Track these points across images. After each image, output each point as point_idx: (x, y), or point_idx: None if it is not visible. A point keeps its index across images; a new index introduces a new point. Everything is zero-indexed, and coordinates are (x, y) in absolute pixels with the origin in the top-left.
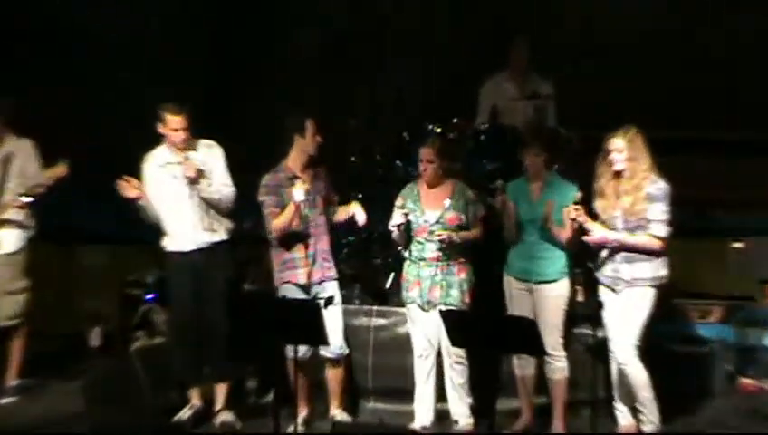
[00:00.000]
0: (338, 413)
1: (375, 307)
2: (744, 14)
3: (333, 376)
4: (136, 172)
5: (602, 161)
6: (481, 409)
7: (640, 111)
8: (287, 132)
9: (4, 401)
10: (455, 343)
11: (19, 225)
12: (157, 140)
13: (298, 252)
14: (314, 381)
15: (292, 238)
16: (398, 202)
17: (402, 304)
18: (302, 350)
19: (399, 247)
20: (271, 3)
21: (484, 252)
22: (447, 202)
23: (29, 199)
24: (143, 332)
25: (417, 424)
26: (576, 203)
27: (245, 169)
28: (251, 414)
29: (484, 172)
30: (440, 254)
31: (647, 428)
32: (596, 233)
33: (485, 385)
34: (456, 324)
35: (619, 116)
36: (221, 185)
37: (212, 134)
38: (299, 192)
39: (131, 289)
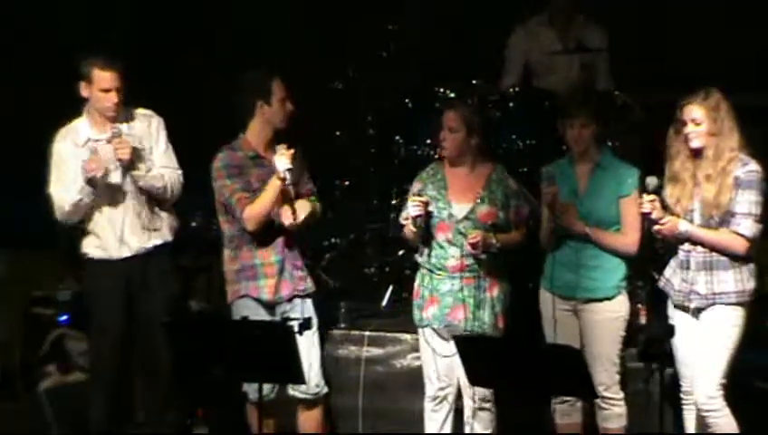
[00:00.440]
0: None
1: (367, 333)
2: None
3: (308, 422)
4: (43, 153)
5: (675, 136)
6: None
7: (724, 71)
8: (245, 97)
9: None
10: (474, 380)
11: None
12: (70, 111)
13: (261, 256)
14: (283, 430)
15: (259, 237)
16: (415, 187)
17: (404, 329)
18: (267, 389)
19: (418, 250)
20: None
21: (514, 260)
22: (481, 192)
23: None
24: (54, 365)
25: None
26: (649, 192)
27: (188, 147)
28: None
29: (513, 152)
30: (466, 262)
31: None
32: (669, 221)
33: None
34: (477, 355)
35: (696, 76)
36: (164, 169)
37: (141, 99)
38: (282, 160)
39: (38, 308)
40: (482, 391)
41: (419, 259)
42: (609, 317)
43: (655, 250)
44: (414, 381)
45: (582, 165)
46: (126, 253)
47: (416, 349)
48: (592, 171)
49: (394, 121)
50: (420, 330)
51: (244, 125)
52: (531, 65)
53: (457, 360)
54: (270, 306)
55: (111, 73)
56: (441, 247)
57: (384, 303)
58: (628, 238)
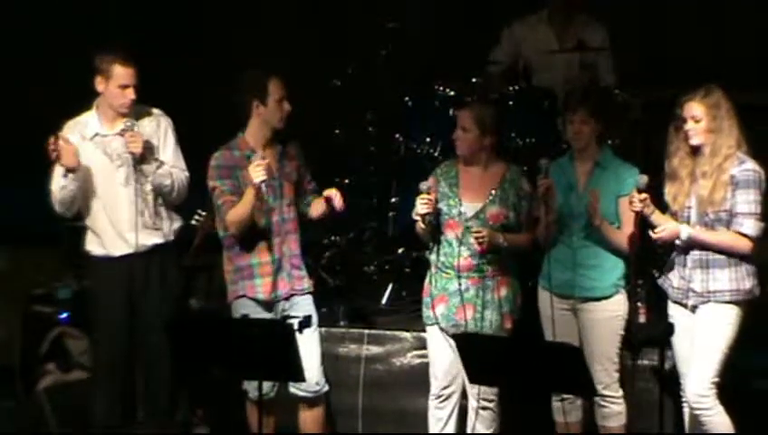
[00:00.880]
0: None
1: (367, 331)
2: None
3: (309, 421)
4: (43, 150)
5: (675, 133)
6: None
7: (725, 69)
8: (242, 96)
9: None
10: (473, 378)
11: None
12: (70, 108)
13: (258, 256)
14: (284, 429)
15: (253, 237)
16: (427, 183)
17: (404, 327)
18: (267, 387)
19: (427, 247)
20: None
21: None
22: (493, 192)
23: None
24: (54, 364)
25: None
26: (641, 190)
27: (188, 146)
28: None
29: (512, 150)
30: (474, 262)
31: None
32: (666, 229)
33: None
34: (475, 353)
35: (697, 74)
36: (172, 168)
37: (140, 99)
38: (257, 172)
39: (39, 306)
40: (485, 391)
41: (429, 256)
42: (607, 316)
43: (654, 248)
44: (414, 379)
45: (582, 163)
46: (126, 250)
47: (416, 347)
48: (592, 170)
49: (393, 120)
50: (427, 328)
51: (242, 125)
52: (526, 62)
53: None
54: (268, 305)
55: (131, 70)
56: (449, 245)
57: (384, 301)
58: (623, 235)
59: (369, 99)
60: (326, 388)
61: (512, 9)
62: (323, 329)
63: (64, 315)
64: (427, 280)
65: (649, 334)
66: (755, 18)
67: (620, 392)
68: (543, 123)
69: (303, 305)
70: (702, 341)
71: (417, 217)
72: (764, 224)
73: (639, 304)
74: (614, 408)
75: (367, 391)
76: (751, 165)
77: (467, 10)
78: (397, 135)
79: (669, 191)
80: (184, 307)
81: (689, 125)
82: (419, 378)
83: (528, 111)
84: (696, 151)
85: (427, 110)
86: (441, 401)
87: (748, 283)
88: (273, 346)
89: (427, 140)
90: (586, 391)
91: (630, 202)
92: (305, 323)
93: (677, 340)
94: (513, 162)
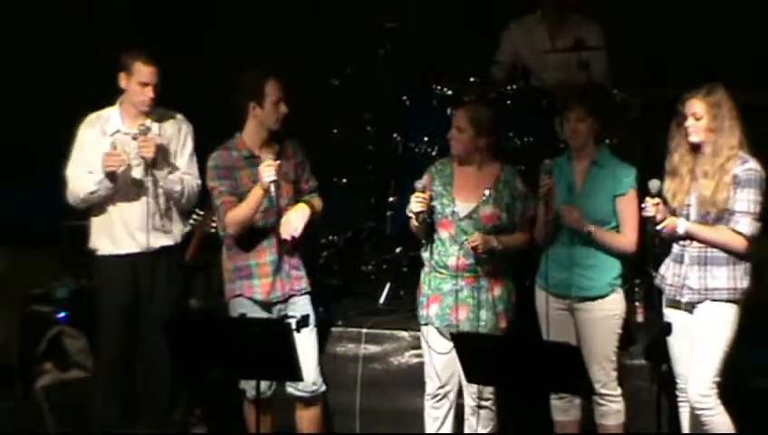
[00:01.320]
0: None
1: (365, 330)
2: None
3: (306, 421)
4: (44, 152)
5: (677, 129)
6: None
7: (724, 69)
8: (239, 98)
9: None
10: (471, 377)
11: None
12: (72, 109)
13: (256, 257)
14: (281, 428)
15: (252, 237)
16: (421, 182)
17: (401, 327)
18: (264, 386)
19: (423, 246)
20: None
21: (511, 259)
22: (487, 192)
23: None
24: (52, 363)
25: None
26: (653, 195)
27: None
28: None
29: (510, 150)
30: (466, 261)
31: None
32: (667, 223)
33: None
34: (473, 353)
35: (696, 75)
36: (185, 175)
37: None
38: (268, 171)
39: (36, 305)
40: (483, 389)
41: (423, 255)
42: (604, 315)
43: (652, 248)
44: (412, 378)
45: (580, 162)
46: (133, 248)
47: (414, 346)
48: (589, 169)
49: (392, 119)
50: (422, 328)
51: (241, 125)
52: (525, 63)
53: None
54: (266, 305)
55: (152, 68)
56: (443, 244)
57: (382, 300)
58: (627, 238)
59: (368, 98)
60: (323, 387)
61: (511, 9)
62: (321, 328)
63: (62, 315)
64: (421, 279)
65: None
66: (754, 19)
67: (618, 391)
68: (542, 123)
69: (301, 305)
70: (702, 341)
71: (411, 215)
72: (762, 223)
73: (637, 303)
74: (612, 406)
75: (365, 390)
76: (753, 164)
77: (467, 10)
78: (395, 135)
79: (669, 187)
80: (183, 307)
81: (690, 122)
82: (417, 377)
83: (526, 110)
84: (696, 149)
85: (425, 109)
86: (437, 401)
87: (746, 282)
88: (270, 346)
89: (425, 139)
90: (584, 390)
91: (644, 208)
92: (303, 322)
93: (673, 340)
94: (511, 162)
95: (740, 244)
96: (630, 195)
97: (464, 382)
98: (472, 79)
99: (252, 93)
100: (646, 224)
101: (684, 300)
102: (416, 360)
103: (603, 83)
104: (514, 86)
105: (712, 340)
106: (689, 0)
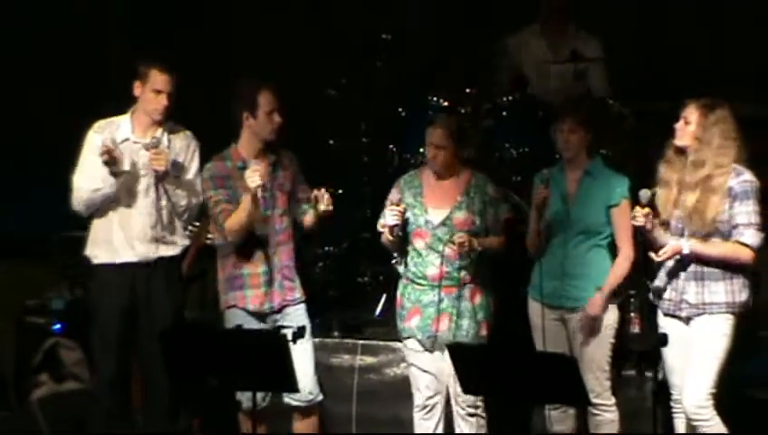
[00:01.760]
0: None
1: (360, 341)
2: None
3: (303, 431)
4: (39, 162)
5: (671, 138)
6: None
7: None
8: (234, 107)
9: None
10: (467, 389)
11: None
12: (68, 118)
13: (249, 267)
14: None
15: (246, 247)
16: (393, 195)
17: (397, 338)
18: (259, 396)
19: (395, 259)
20: None
21: (505, 268)
22: (459, 198)
23: None
24: (47, 374)
25: None
26: (643, 205)
27: None
28: None
29: (506, 160)
30: (446, 269)
31: None
32: (667, 250)
33: None
34: (470, 364)
35: (694, 88)
36: (189, 191)
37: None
38: (253, 178)
39: (32, 317)
40: (472, 400)
41: (399, 269)
42: (599, 326)
43: (647, 258)
44: (407, 389)
45: (572, 172)
46: (132, 257)
47: None
48: (582, 179)
49: (387, 130)
50: (404, 341)
51: (237, 134)
52: (525, 74)
53: (446, 368)
54: (260, 316)
55: (167, 77)
56: (419, 255)
57: (377, 312)
58: (623, 253)
59: (364, 109)
60: (320, 397)
61: (511, 9)
62: (317, 339)
63: (58, 326)
64: (399, 291)
65: (642, 345)
66: (754, 32)
67: (613, 400)
68: (537, 133)
69: (297, 316)
70: (699, 352)
71: (384, 230)
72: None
73: (633, 314)
74: (607, 416)
75: (360, 400)
76: (748, 176)
77: (467, 10)
78: (391, 146)
79: (660, 196)
80: (178, 317)
81: (679, 124)
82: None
83: (522, 121)
84: (680, 153)
85: (420, 120)
86: (426, 413)
87: (744, 295)
88: (267, 357)
89: (421, 150)
90: (579, 401)
91: (633, 217)
92: (299, 333)
93: (668, 351)
94: (507, 172)
95: (747, 255)
96: (623, 205)
97: (452, 392)
98: (468, 89)
99: (245, 103)
100: (641, 237)
101: (683, 315)
102: None
103: (601, 94)
104: (510, 97)
105: (709, 352)
106: (688, 12)
